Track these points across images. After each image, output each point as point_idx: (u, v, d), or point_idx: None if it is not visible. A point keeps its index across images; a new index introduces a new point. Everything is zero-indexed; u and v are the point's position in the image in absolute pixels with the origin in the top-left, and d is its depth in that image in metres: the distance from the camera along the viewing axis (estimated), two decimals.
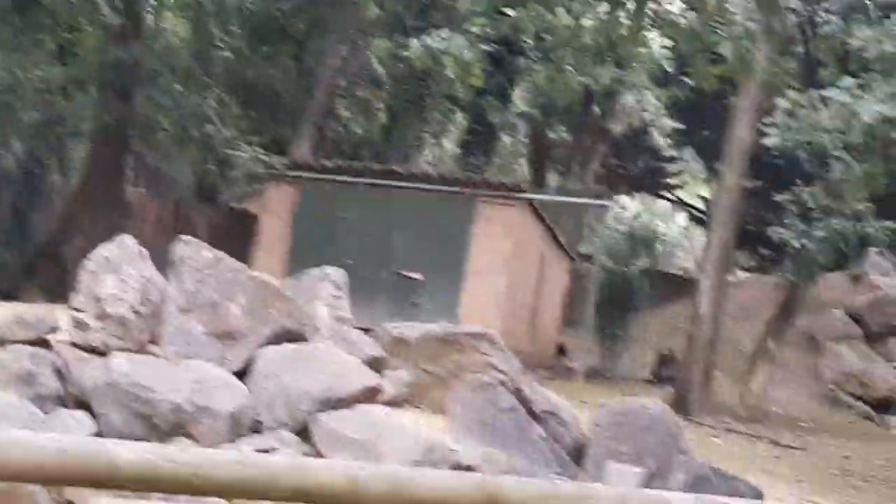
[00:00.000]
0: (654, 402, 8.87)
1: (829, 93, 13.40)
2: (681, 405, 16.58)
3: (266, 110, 22.08)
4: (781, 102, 14.02)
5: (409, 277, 17.76)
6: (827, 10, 16.11)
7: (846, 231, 16.33)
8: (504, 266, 17.58)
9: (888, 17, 13.44)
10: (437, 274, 17.72)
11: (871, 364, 21.20)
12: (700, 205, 35.22)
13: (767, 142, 14.47)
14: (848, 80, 13.07)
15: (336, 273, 9.30)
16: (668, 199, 36.87)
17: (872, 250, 23.01)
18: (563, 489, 2.49)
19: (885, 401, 20.46)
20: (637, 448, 8.46)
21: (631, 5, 15.60)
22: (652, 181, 34.92)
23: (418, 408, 8.86)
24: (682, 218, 38.16)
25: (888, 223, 16.87)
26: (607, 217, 20.65)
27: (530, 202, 18.52)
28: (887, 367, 21.15)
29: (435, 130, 26.77)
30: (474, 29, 14.81)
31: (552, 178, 30.61)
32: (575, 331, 21.17)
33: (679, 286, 23.00)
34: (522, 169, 32.89)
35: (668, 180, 36.05)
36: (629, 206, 33.27)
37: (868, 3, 14.26)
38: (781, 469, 12.83)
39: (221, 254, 8.70)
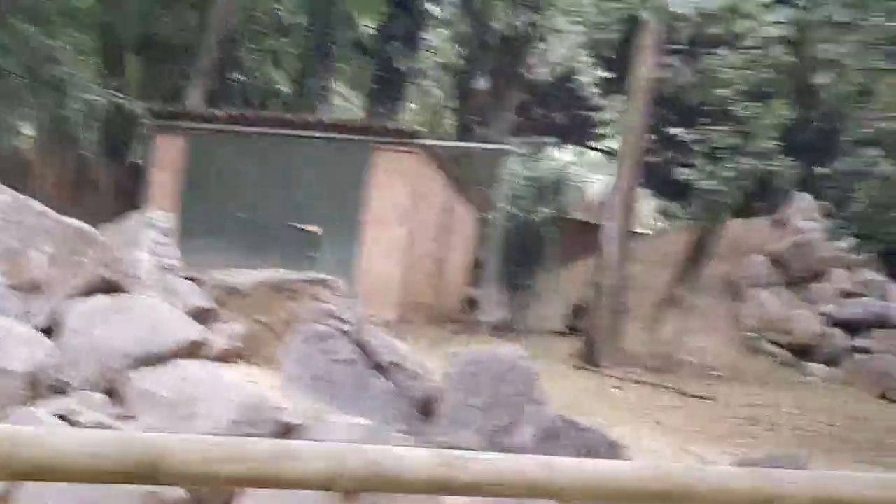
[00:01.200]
0: (510, 350, 8.12)
1: None
2: (589, 355, 16.02)
3: (161, 59, 21.12)
4: None
5: (305, 230, 16.95)
6: None
7: (753, 170, 15.64)
8: (403, 216, 16.80)
9: None
10: (333, 225, 16.91)
11: (792, 310, 20.64)
12: None
13: None
14: None
15: (162, 217, 8.45)
16: (597, 150, 36.14)
17: (796, 193, 22.46)
18: None
19: (805, 347, 19.93)
20: (490, 399, 7.73)
21: None
22: (580, 131, 34.03)
23: (251, 363, 8.05)
24: (613, 168, 37.43)
25: (795, 162, 16.23)
26: (517, 165, 19.73)
27: (430, 149, 17.69)
28: (809, 312, 20.59)
29: (344, 79, 25.81)
30: None
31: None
32: (485, 283, 20.35)
33: (596, 234, 22.27)
34: (448, 120, 32.10)
35: (598, 130, 35.17)
36: (557, 157, 32.61)
37: None
38: (677, 419, 12.20)
39: (23, 196, 7.81)
